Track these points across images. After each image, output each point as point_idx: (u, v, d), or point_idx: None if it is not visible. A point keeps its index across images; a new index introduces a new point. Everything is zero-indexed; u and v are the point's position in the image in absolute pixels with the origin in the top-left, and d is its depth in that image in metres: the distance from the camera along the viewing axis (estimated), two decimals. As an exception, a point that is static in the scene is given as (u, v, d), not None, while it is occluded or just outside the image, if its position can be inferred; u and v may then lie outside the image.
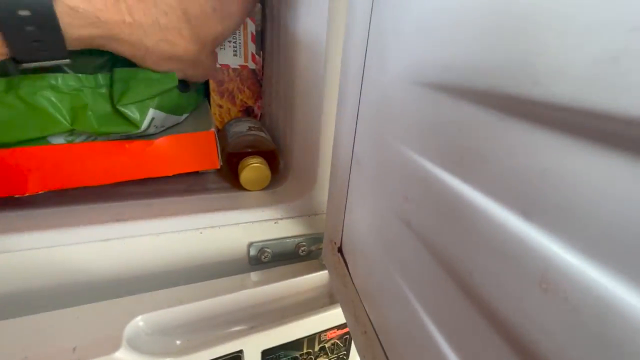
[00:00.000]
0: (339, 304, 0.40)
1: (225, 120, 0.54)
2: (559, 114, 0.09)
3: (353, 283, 0.29)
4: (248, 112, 0.56)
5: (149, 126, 0.37)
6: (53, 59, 0.30)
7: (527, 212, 0.10)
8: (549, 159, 0.09)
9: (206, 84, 0.52)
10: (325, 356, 0.42)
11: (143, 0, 0.32)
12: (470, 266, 0.13)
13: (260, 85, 0.56)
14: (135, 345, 0.30)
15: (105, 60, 0.35)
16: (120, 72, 0.34)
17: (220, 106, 0.53)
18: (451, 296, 0.14)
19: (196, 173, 0.51)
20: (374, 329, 0.24)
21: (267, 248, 0.42)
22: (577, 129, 0.09)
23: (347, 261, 0.31)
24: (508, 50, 0.10)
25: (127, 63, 0.35)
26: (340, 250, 0.32)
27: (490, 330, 0.12)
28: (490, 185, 0.12)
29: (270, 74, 0.54)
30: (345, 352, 0.44)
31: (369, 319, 0.25)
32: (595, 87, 0.08)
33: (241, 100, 0.55)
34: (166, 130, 0.41)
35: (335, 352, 0.43)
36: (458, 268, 0.14)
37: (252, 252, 0.41)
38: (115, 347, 0.29)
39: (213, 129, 0.38)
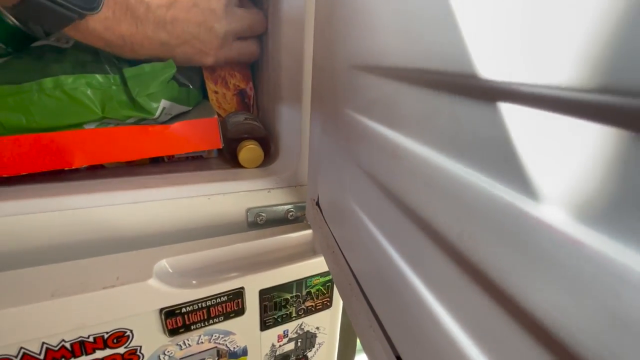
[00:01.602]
0: (320, 256, 0.50)
1: (223, 104, 0.62)
2: (393, 72, 0.19)
3: (326, 223, 0.38)
4: (242, 94, 0.63)
5: (161, 114, 0.46)
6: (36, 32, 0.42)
7: (391, 124, 0.20)
8: (398, 95, 0.19)
9: (201, 74, 0.61)
10: (311, 300, 0.52)
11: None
12: (377, 168, 0.22)
13: (249, 68, 0.64)
14: (162, 278, 0.40)
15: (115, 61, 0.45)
16: (129, 71, 0.43)
17: (216, 92, 0.61)
18: (376, 197, 0.24)
19: (201, 158, 0.61)
20: (338, 246, 0.34)
21: (262, 213, 0.51)
22: (405, 78, 0.19)
23: (323, 210, 0.41)
24: (374, 43, 0.20)
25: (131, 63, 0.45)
26: (317, 204, 0.42)
27: (396, 210, 0.22)
28: (380, 117, 0.22)
29: (260, 75, 0.64)
30: (328, 299, 0.54)
31: (336, 241, 0.35)
32: (403, 54, 0.18)
33: (234, 84, 0.62)
34: (175, 118, 0.51)
35: (320, 297, 0.53)
36: (375, 173, 0.23)
37: (250, 216, 0.51)
38: (147, 277, 0.38)
39: (216, 116, 0.48)
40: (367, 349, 0.26)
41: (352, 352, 0.79)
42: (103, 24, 0.40)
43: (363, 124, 0.25)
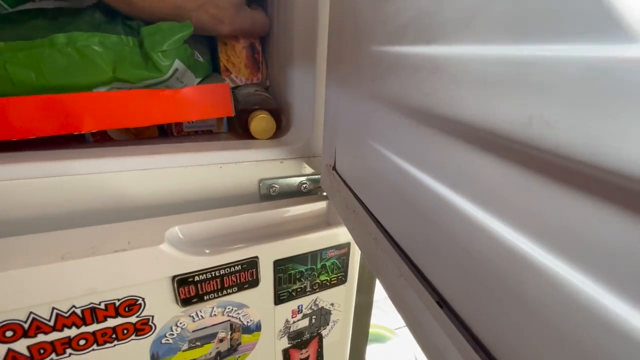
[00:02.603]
0: (336, 227, 0.48)
1: (232, 57, 0.59)
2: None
3: (346, 184, 0.37)
4: (252, 47, 0.60)
5: (172, 75, 0.45)
6: None
7: (428, 38, 0.18)
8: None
9: (210, 47, 0.59)
10: (326, 274, 0.50)
11: None
12: (412, 94, 0.21)
13: None
14: (174, 245, 0.38)
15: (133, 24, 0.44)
16: (147, 29, 0.42)
17: (225, 43, 0.59)
18: (411, 129, 0.22)
19: (210, 132, 0.60)
20: (362, 204, 0.32)
21: (275, 184, 0.50)
22: None
23: (341, 173, 0.39)
24: None
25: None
26: (334, 168, 0.40)
27: (436, 133, 0.20)
28: (414, 37, 0.20)
29: (270, 47, 0.62)
30: (343, 273, 0.52)
31: (360, 200, 0.33)
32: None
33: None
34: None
35: (335, 272, 0.51)
36: (410, 101, 0.22)
37: (263, 188, 0.49)
38: (159, 242, 0.37)
39: (227, 82, 0.47)
40: (397, 300, 0.25)
41: (365, 337, 0.77)
42: None
43: (392, 55, 0.23)
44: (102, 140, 0.51)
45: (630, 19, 0.09)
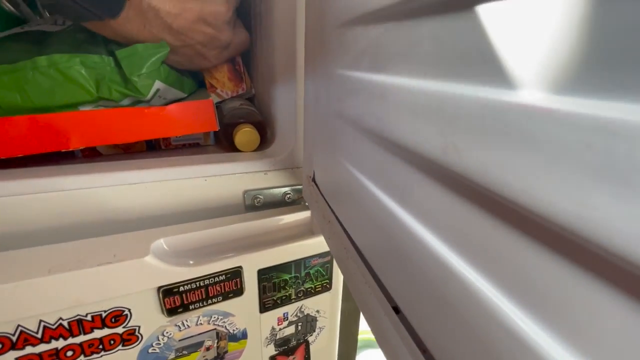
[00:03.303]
0: (319, 236, 0.50)
1: (214, 73, 0.60)
2: (379, 13, 0.19)
3: (323, 196, 0.38)
4: (232, 61, 0.61)
5: (154, 95, 0.47)
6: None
7: (378, 68, 0.20)
8: (384, 36, 0.20)
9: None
10: (310, 282, 0.52)
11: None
12: (366, 117, 0.23)
13: None
14: (159, 257, 0.40)
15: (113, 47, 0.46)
16: (123, 52, 0.44)
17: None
18: (365, 147, 0.24)
19: (198, 145, 0.61)
20: (335, 215, 0.34)
21: (260, 195, 0.51)
22: (389, 17, 0.19)
23: (319, 185, 0.41)
24: None
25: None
26: (314, 180, 0.42)
27: (384, 152, 0.22)
28: (367, 66, 0.22)
29: (254, 61, 0.64)
30: (328, 281, 0.53)
31: (333, 211, 0.35)
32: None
33: None
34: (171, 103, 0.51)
35: (319, 279, 0.52)
36: (365, 123, 0.24)
37: (247, 199, 0.51)
38: (145, 254, 0.38)
39: (211, 98, 0.48)
40: (362, 306, 0.26)
41: (354, 343, 0.78)
42: (115, 21, 0.41)
43: (353, 79, 0.25)
44: (91, 155, 0.53)
45: (510, 69, 0.11)
